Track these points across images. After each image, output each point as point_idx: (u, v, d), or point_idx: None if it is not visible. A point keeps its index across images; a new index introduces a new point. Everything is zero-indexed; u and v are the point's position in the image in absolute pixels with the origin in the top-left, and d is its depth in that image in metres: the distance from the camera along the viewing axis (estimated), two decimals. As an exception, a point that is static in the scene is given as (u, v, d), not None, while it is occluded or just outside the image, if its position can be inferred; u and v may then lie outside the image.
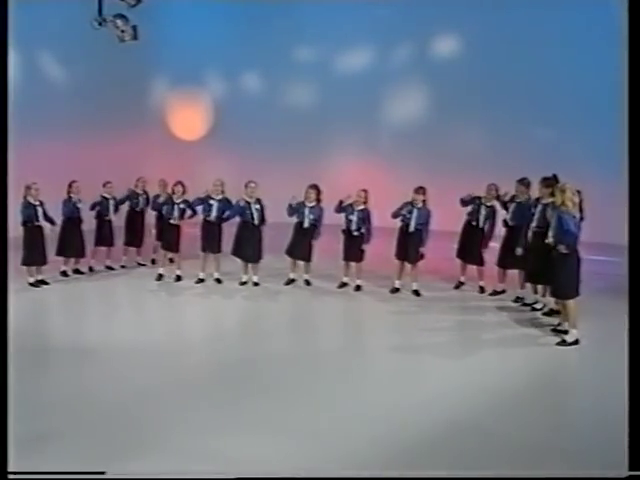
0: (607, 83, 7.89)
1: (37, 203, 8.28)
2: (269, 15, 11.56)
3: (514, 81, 9.97)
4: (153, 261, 9.85)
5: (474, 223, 8.18)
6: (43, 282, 8.50)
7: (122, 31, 8.58)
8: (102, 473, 3.59)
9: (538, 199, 7.20)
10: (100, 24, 8.52)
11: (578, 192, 6.16)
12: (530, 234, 7.12)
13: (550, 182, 6.89)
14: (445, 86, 10.72)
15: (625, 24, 3.96)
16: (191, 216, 8.92)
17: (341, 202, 8.21)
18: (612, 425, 4.17)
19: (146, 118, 11.99)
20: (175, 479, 3.67)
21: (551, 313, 7.05)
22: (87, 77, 11.10)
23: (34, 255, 8.30)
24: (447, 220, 8.34)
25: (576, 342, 6.15)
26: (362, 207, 8.19)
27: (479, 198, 8.14)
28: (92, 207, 9.14)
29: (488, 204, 8.12)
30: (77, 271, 9.24)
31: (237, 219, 8.58)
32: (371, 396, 4.95)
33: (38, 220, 8.27)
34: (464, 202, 8.20)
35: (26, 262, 8.30)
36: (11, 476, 3.39)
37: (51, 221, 8.47)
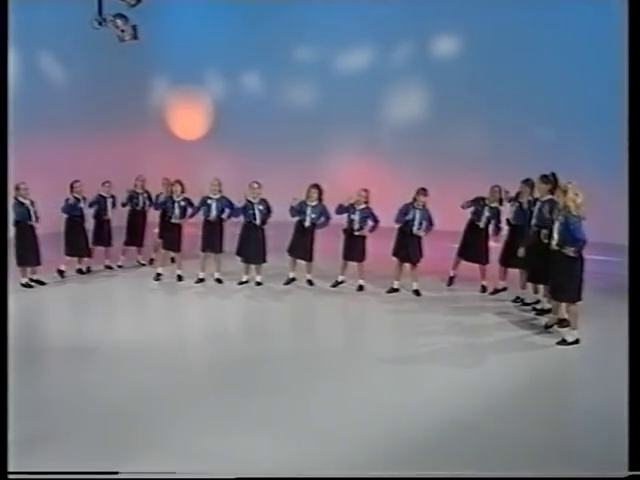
0: (607, 83, 7.90)
1: (28, 202, 8.25)
2: (269, 15, 11.53)
3: (515, 81, 9.95)
4: (151, 261, 9.85)
5: (477, 223, 8.21)
6: (40, 282, 8.48)
7: (122, 31, 8.56)
8: (114, 473, 3.58)
9: (537, 198, 7.23)
10: (100, 24, 8.50)
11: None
12: (531, 232, 7.14)
13: (548, 180, 6.95)
14: (445, 86, 10.71)
15: (625, 24, 3.96)
16: (192, 215, 8.92)
17: (341, 205, 8.27)
18: (612, 425, 4.17)
19: (146, 118, 11.96)
20: (175, 479, 3.67)
21: (543, 312, 7.05)
22: (87, 77, 11.07)
23: (28, 255, 8.27)
24: (447, 220, 8.33)
25: (576, 342, 6.15)
26: (363, 206, 8.22)
27: (483, 199, 8.16)
28: (90, 205, 9.17)
29: (492, 205, 8.14)
30: (79, 271, 9.26)
31: (241, 220, 8.61)
32: (371, 396, 4.95)
33: (30, 219, 8.26)
34: (464, 207, 8.24)
35: (21, 262, 8.26)
36: (11, 476, 3.39)
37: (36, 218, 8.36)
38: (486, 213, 8.15)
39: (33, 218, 8.26)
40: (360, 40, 11.57)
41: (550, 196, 6.83)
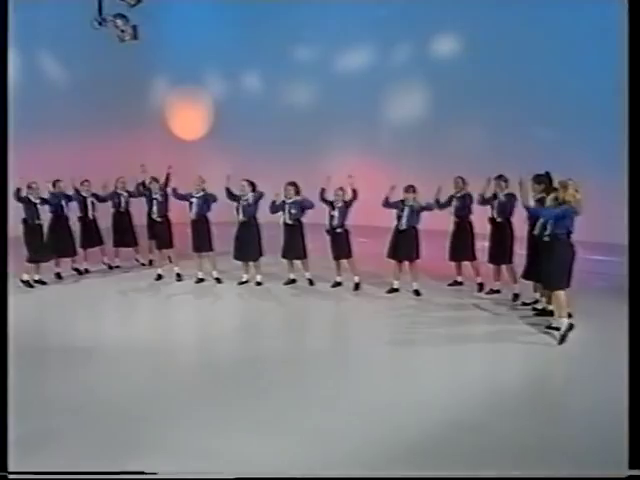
0: (607, 83, 7.88)
1: (38, 201, 8.33)
2: (269, 15, 11.55)
3: (514, 81, 9.96)
4: (151, 262, 9.86)
5: (455, 220, 8.24)
6: (41, 282, 8.51)
7: (122, 31, 8.58)
8: (115, 473, 3.57)
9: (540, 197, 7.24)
10: (100, 24, 8.52)
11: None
12: (525, 230, 7.17)
13: (542, 179, 6.98)
14: (445, 86, 10.71)
15: (625, 24, 3.96)
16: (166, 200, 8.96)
17: (323, 194, 8.33)
18: (612, 424, 4.17)
19: (146, 118, 11.97)
20: (175, 479, 3.67)
21: (543, 313, 7.04)
22: (87, 77, 11.08)
23: (39, 252, 8.34)
24: (446, 219, 8.34)
25: (571, 327, 6.11)
26: (341, 204, 8.26)
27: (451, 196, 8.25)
28: (69, 200, 9.06)
29: (458, 195, 8.21)
30: (77, 270, 9.27)
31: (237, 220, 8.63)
32: (371, 396, 4.95)
33: (39, 218, 8.34)
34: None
35: (32, 259, 8.34)
36: (11, 476, 3.39)
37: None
38: (455, 203, 8.22)
39: (41, 217, 8.35)
40: (360, 40, 11.58)
41: (543, 195, 6.83)
